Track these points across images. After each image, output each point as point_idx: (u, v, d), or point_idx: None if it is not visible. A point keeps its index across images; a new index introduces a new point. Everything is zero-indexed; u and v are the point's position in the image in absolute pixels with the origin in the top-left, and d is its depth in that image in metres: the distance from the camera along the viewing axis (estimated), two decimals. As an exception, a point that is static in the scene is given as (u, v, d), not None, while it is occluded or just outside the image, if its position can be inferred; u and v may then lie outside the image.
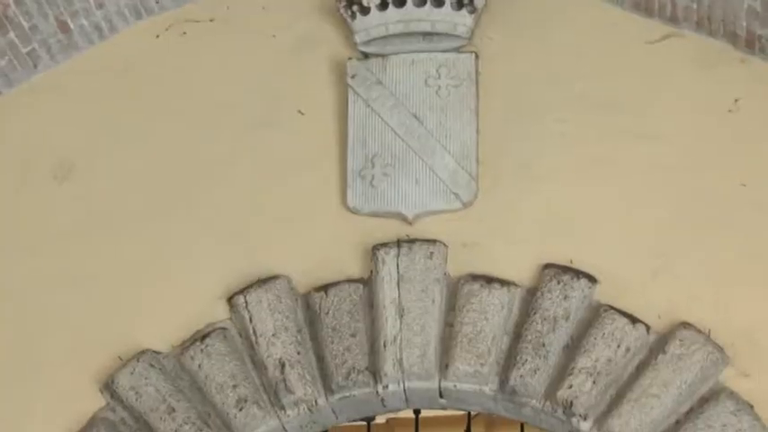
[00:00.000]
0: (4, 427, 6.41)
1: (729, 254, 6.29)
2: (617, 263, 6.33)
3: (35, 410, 6.45)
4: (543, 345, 6.25)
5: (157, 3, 6.91)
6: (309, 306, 6.46)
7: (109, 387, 6.42)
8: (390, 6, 6.61)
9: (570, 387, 6.17)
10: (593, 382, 6.16)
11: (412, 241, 6.44)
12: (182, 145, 6.73)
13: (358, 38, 6.65)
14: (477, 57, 6.61)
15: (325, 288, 6.45)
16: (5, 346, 6.57)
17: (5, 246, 6.73)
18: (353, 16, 6.62)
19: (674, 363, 6.13)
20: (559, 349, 6.25)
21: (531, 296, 6.33)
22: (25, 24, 6.69)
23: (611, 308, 6.26)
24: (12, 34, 6.69)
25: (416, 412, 8.11)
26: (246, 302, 6.45)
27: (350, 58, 6.66)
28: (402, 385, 6.33)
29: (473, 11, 6.57)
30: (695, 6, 6.45)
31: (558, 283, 6.30)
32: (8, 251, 6.72)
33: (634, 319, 6.22)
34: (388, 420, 11.60)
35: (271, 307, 6.43)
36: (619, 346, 6.19)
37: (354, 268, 6.48)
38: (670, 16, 6.56)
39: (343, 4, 6.62)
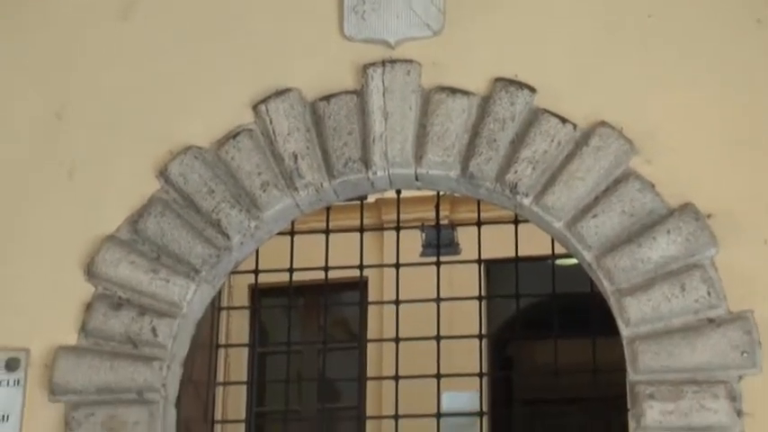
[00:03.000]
0: (85, 206, 6.52)
1: (637, 69, 6.36)
2: (551, 77, 6.38)
3: (108, 193, 6.53)
4: (495, 140, 6.32)
5: None
6: (315, 112, 6.49)
7: (163, 174, 6.49)
8: None
9: (515, 172, 6.26)
10: (533, 168, 6.25)
11: (394, 61, 6.47)
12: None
13: None
14: None
15: (327, 98, 6.48)
16: (83, 142, 6.62)
17: (80, 66, 6.75)
18: None
19: (595, 153, 6.20)
20: (507, 143, 6.31)
21: (486, 103, 6.37)
22: None
23: (547, 111, 6.31)
24: None
25: (398, 192, 8.17)
26: (267, 109, 6.49)
27: None
28: (387, 172, 6.42)
29: None
30: None
31: (506, 92, 6.35)
32: (81, 71, 6.75)
33: (564, 120, 6.28)
34: (376, 200, 11.69)
35: (286, 113, 6.47)
36: (552, 141, 6.26)
37: (350, 82, 6.51)
38: None
39: None
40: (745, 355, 5.87)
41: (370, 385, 11.83)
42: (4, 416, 6.20)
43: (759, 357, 5.89)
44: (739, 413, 5.82)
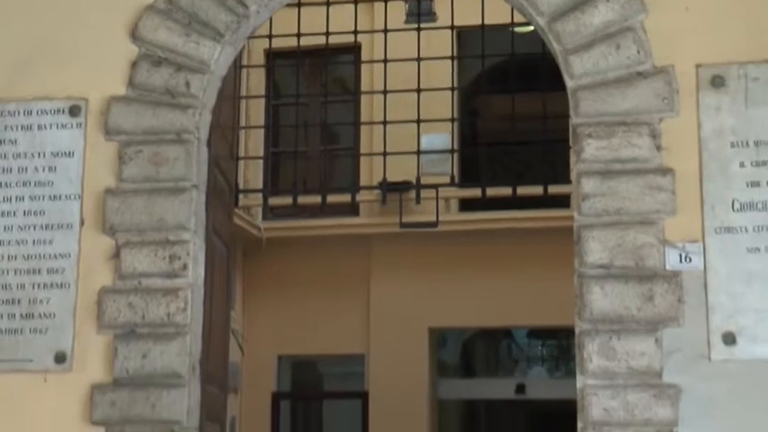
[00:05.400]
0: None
1: None
2: None
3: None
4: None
5: None
6: None
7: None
8: None
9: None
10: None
11: None
12: None
13: None
14: None
15: None
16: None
17: None
18: None
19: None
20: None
21: None
22: None
23: None
24: None
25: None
26: None
27: None
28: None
29: None
30: None
31: None
32: None
33: None
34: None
35: None
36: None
37: None
38: None
39: None
40: (665, 101, 5.95)
41: (363, 129, 12.04)
42: (70, 152, 6.31)
43: (676, 103, 5.96)
44: (659, 148, 5.92)
